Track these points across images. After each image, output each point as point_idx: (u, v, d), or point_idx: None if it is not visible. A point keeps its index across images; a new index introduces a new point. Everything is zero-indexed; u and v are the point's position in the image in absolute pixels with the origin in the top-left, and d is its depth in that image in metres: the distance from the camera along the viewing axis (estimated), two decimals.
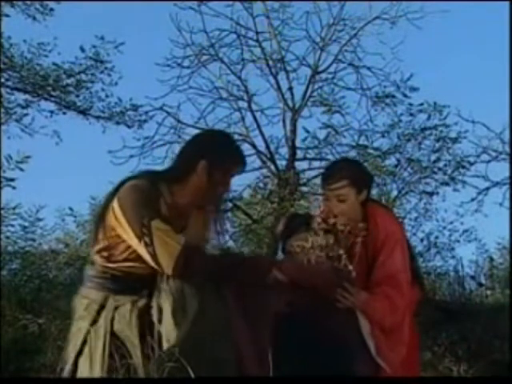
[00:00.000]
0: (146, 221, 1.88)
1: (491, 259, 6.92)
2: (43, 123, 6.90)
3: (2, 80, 6.60)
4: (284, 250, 2.47)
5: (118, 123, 7.03)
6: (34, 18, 6.72)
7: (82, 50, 6.86)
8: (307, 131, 6.73)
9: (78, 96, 7.00)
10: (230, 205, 6.55)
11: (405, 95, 6.67)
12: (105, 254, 2.01)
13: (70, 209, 7.62)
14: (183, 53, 6.50)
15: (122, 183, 2.03)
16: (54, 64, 6.81)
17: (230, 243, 6.88)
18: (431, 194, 6.74)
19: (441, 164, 6.68)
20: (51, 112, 6.93)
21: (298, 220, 2.48)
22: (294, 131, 6.62)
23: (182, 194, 2.06)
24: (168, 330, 1.88)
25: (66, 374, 2.00)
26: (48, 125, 6.93)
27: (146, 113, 6.79)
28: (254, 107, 6.60)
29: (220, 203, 2.22)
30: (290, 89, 6.68)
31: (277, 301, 2.06)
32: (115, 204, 1.96)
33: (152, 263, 1.90)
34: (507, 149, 6.36)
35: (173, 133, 6.55)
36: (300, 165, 6.77)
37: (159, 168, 2.26)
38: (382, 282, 2.35)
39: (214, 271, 1.94)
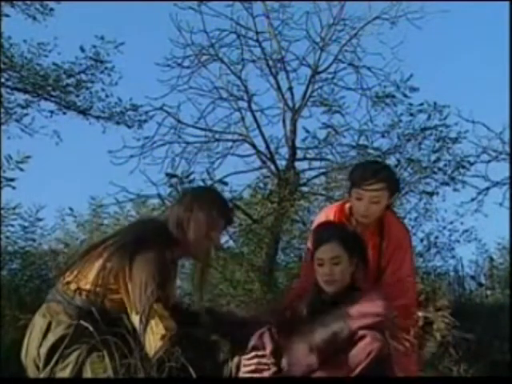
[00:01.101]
0: (149, 302, 1.98)
1: (491, 259, 6.93)
2: (43, 123, 6.92)
3: (2, 80, 6.60)
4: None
5: (118, 123, 7.04)
6: (34, 18, 6.72)
7: (82, 50, 6.87)
8: (307, 131, 6.73)
9: (78, 96, 7.01)
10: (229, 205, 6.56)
11: (405, 95, 6.66)
12: (98, 298, 2.07)
13: (70, 209, 7.65)
14: (183, 53, 6.49)
15: (135, 245, 2.09)
16: (54, 64, 6.81)
17: (230, 243, 6.89)
18: (431, 193, 6.74)
19: (441, 164, 6.68)
20: (51, 112, 6.95)
21: (330, 231, 2.46)
22: (294, 131, 6.61)
23: (179, 252, 2.18)
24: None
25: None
26: (48, 125, 6.95)
27: (146, 113, 6.78)
28: (254, 107, 6.60)
29: (208, 257, 2.31)
30: (290, 89, 6.68)
31: None
32: (127, 270, 2.04)
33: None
34: (507, 149, 6.36)
35: (173, 133, 6.54)
36: (300, 165, 6.77)
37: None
38: (392, 284, 2.47)
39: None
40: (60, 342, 2.02)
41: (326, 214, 2.67)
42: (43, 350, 2.03)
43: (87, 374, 1.98)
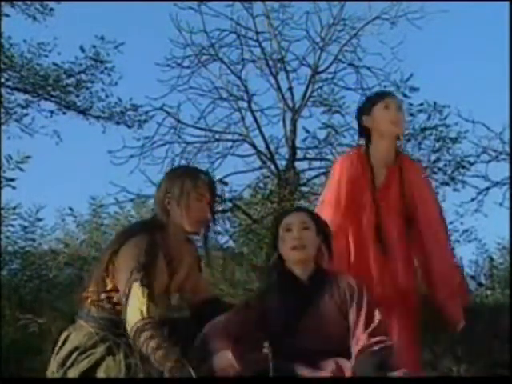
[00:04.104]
0: (129, 282, 1.98)
1: (491, 259, 6.92)
2: (43, 123, 6.94)
3: (2, 80, 6.61)
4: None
5: (118, 123, 7.05)
6: (34, 18, 6.74)
7: (82, 50, 6.89)
8: (307, 131, 6.74)
9: (78, 96, 7.02)
10: (229, 205, 6.57)
11: (405, 95, 6.67)
12: (107, 304, 2.10)
13: (70, 209, 7.63)
14: (183, 53, 6.51)
15: (123, 237, 2.13)
16: (54, 64, 6.83)
17: (230, 243, 6.90)
18: None
19: (441, 164, 6.69)
20: (51, 112, 6.96)
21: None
22: (294, 131, 6.62)
23: (170, 237, 2.15)
24: None
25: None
26: (48, 125, 6.97)
27: (146, 113, 6.80)
28: (254, 107, 6.61)
29: (205, 233, 2.25)
30: (290, 89, 6.69)
31: None
32: (116, 264, 2.07)
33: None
34: (507, 149, 6.37)
35: (173, 133, 6.56)
36: (300, 165, 6.80)
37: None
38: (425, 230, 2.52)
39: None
40: (75, 349, 2.06)
41: (342, 163, 2.60)
42: (60, 356, 2.08)
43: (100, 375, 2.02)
